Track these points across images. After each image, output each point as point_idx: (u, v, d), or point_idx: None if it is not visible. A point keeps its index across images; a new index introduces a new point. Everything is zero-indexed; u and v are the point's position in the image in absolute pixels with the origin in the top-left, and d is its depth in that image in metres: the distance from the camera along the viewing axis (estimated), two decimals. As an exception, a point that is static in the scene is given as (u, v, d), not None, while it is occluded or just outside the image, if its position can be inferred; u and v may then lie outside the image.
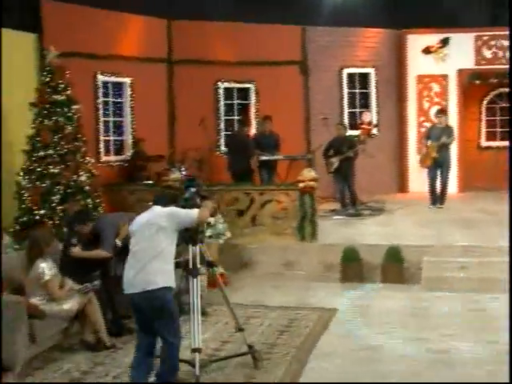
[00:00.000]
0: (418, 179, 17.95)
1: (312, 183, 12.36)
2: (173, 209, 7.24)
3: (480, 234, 13.02)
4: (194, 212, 7.21)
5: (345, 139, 15.64)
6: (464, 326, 9.42)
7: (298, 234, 12.63)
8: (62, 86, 11.71)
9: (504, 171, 19.11)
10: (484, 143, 20.53)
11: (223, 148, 17.21)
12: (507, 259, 11.44)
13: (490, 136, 20.58)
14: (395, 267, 11.78)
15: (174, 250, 7.18)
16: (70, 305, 8.51)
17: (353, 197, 15.63)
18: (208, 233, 11.69)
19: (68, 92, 11.79)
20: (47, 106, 11.60)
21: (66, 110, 11.68)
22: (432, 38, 18.87)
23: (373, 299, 10.94)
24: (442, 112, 16.35)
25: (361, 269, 11.93)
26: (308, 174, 12.46)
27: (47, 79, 11.70)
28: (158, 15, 16.22)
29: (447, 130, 15.72)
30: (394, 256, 11.81)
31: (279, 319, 9.88)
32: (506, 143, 20.07)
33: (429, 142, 15.73)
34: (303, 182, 12.38)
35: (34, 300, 8.36)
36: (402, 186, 19.08)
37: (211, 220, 11.73)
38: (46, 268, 8.45)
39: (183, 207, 7.37)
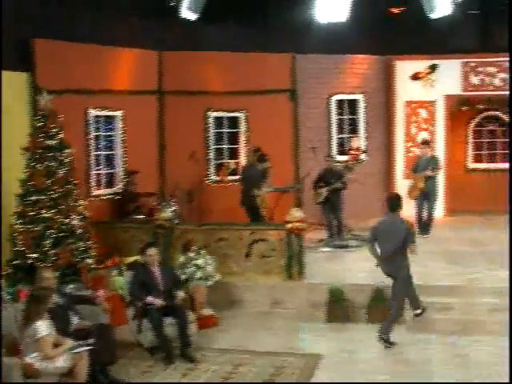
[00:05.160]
0: (406, 204, 18.15)
1: (299, 224, 12.62)
2: None
3: (466, 271, 13.31)
4: None
5: (334, 171, 15.90)
6: (446, 375, 9.77)
7: (286, 273, 12.87)
8: (55, 130, 11.88)
9: (491, 193, 19.61)
10: (471, 165, 20.77)
11: (213, 177, 17.45)
12: (492, 300, 11.78)
13: (477, 158, 20.84)
14: (380, 307, 12.00)
15: None
16: (62, 362, 8.73)
17: (340, 227, 15.90)
18: (197, 275, 11.99)
19: (60, 136, 11.95)
20: (40, 150, 11.75)
21: (58, 154, 11.85)
22: (420, 65, 19.12)
23: (358, 343, 11.18)
24: (426, 143, 16.73)
25: (346, 309, 12.20)
26: (295, 214, 12.70)
27: (40, 124, 11.86)
28: (149, 47, 16.38)
29: (433, 160, 16.06)
30: (379, 296, 12.07)
31: (266, 367, 10.12)
32: (493, 165, 20.51)
33: (415, 174, 16.15)
34: (291, 222, 12.62)
35: (29, 359, 8.58)
36: (389, 210, 19.30)
37: (200, 262, 12.06)
38: (43, 326, 8.67)
39: None
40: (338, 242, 15.61)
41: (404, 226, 10.92)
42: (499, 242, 15.74)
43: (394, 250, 10.77)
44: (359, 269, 13.70)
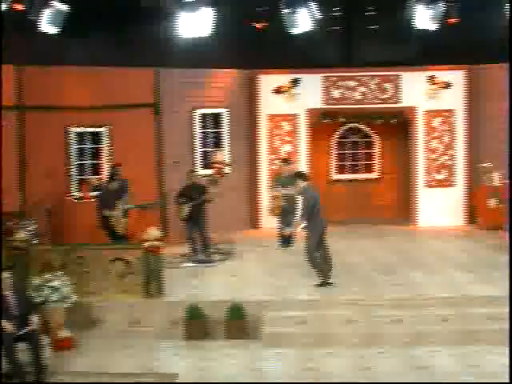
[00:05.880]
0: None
1: (157, 243, 12.68)
2: None
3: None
4: None
5: (196, 186, 15.93)
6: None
7: (144, 292, 12.89)
8: None
9: (354, 203, 20.17)
10: (334, 176, 21.20)
11: (76, 194, 17.28)
12: (345, 312, 12.15)
13: (340, 169, 21.31)
14: (238, 323, 12.24)
15: None
16: None
17: (205, 242, 15.91)
18: (53, 297, 11.85)
19: None
20: None
21: None
22: (283, 79, 19.51)
23: (214, 360, 11.32)
24: (286, 161, 16.99)
25: (204, 326, 12.31)
26: (153, 233, 12.75)
27: None
28: (7, 62, 16.05)
29: (294, 178, 16.24)
30: (237, 312, 12.25)
31: (121, 389, 10.18)
32: (356, 176, 21.06)
33: (276, 192, 16.40)
34: (148, 241, 12.66)
35: None
36: (254, 222, 19.60)
37: (56, 284, 11.93)
38: None
39: None
40: (200, 257, 15.68)
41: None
42: (359, 252, 16.25)
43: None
44: (219, 284, 13.91)
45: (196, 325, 12.28)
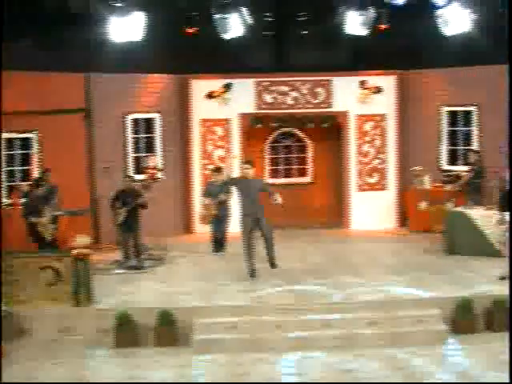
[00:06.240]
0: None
1: (85, 250, 12.57)
2: None
3: (252, 288, 13.75)
4: None
5: (130, 191, 15.77)
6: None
7: (73, 300, 12.75)
8: None
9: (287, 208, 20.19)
10: (268, 180, 21.16)
11: (5, 201, 17.04)
12: (276, 317, 12.27)
13: (274, 173, 21.37)
14: (168, 330, 12.16)
15: None
16: None
17: (137, 248, 15.75)
18: (-19, 308, 11.66)
19: None
20: None
21: None
22: (215, 84, 19.54)
23: (144, 368, 11.23)
24: (218, 170, 16.97)
25: (134, 333, 12.20)
26: (81, 240, 12.66)
27: None
28: None
29: (225, 186, 16.25)
30: (166, 319, 12.17)
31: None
32: (290, 180, 21.18)
33: (206, 201, 16.44)
34: (77, 248, 12.55)
35: None
36: (187, 227, 19.59)
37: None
38: None
39: None
40: (132, 263, 15.56)
41: None
42: (290, 256, 16.29)
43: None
44: (150, 291, 13.84)
45: (126, 332, 12.15)
